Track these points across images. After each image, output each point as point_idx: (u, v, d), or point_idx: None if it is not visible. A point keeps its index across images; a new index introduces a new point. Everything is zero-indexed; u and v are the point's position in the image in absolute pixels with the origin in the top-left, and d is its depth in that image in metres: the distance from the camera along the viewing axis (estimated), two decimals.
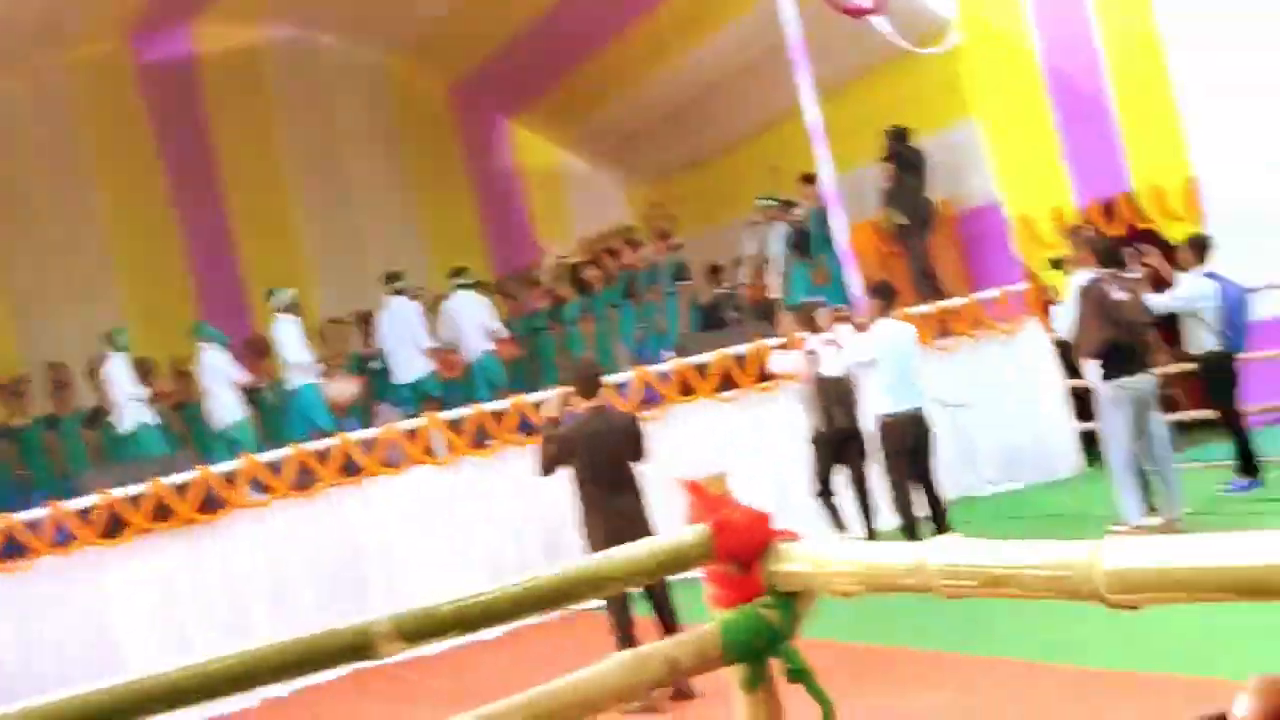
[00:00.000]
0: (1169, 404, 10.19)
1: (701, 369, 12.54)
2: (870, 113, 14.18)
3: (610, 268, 15.42)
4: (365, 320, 15.56)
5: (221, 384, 13.30)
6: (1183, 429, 11.26)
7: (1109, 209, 13.40)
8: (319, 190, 17.44)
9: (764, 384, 12.28)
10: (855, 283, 13.00)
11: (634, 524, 7.89)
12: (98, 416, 14.26)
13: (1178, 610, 1.96)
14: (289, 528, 11.74)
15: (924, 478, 9.77)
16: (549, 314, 15.80)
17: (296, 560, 11.69)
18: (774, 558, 2.65)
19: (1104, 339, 9.61)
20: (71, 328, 15.92)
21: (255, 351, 14.20)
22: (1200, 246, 10.74)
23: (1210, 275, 10.50)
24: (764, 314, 14.32)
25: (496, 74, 17.64)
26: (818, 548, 2.55)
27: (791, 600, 2.67)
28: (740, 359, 12.48)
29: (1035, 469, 12.84)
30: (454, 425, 12.33)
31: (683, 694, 7.80)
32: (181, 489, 11.51)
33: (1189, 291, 10.42)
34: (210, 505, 11.73)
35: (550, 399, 8.44)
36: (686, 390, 12.62)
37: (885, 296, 10.08)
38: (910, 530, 9.62)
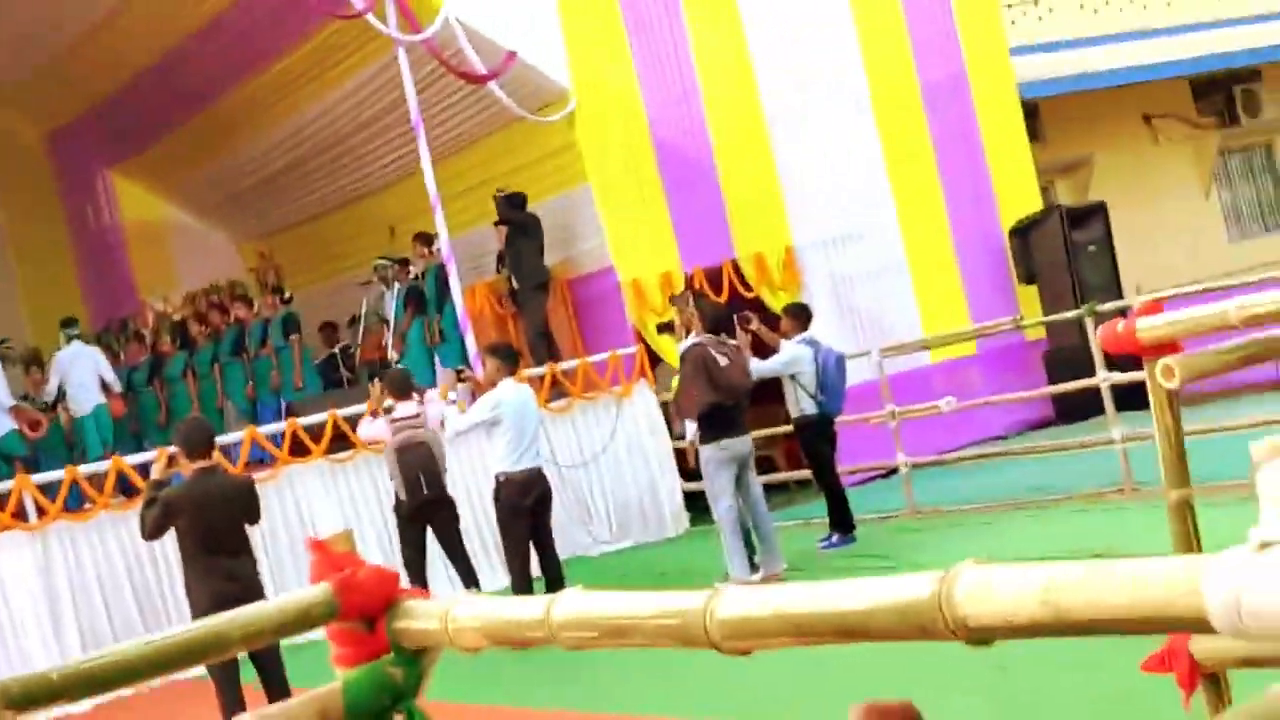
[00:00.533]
0: (767, 465, 10.68)
1: (316, 429, 12.37)
2: (489, 175, 14.39)
3: (217, 322, 15.04)
4: None
5: None
6: (783, 488, 11.83)
7: (715, 276, 14.00)
8: None
9: (346, 453, 12.23)
10: (471, 343, 13.13)
11: (246, 587, 7.71)
12: None
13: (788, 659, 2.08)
14: None
15: (542, 537, 9.89)
16: (150, 370, 15.25)
17: None
18: (399, 614, 2.66)
19: (705, 402, 10.02)
20: None
21: None
22: (799, 314, 11.33)
23: (808, 341, 11.09)
24: (380, 374, 14.25)
25: (99, 124, 17.03)
26: (443, 604, 2.58)
27: (417, 658, 2.69)
28: (356, 420, 12.37)
29: (645, 528, 13.21)
30: (45, 489, 11.73)
31: None
32: None
33: (788, 356, 10.98)
34: None
35: (156, 461, 8.17)
36: (301, 450, 12.42)
37: (508, 358, 10.20)
38: (524, 590, 9.70)
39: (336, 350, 15.58)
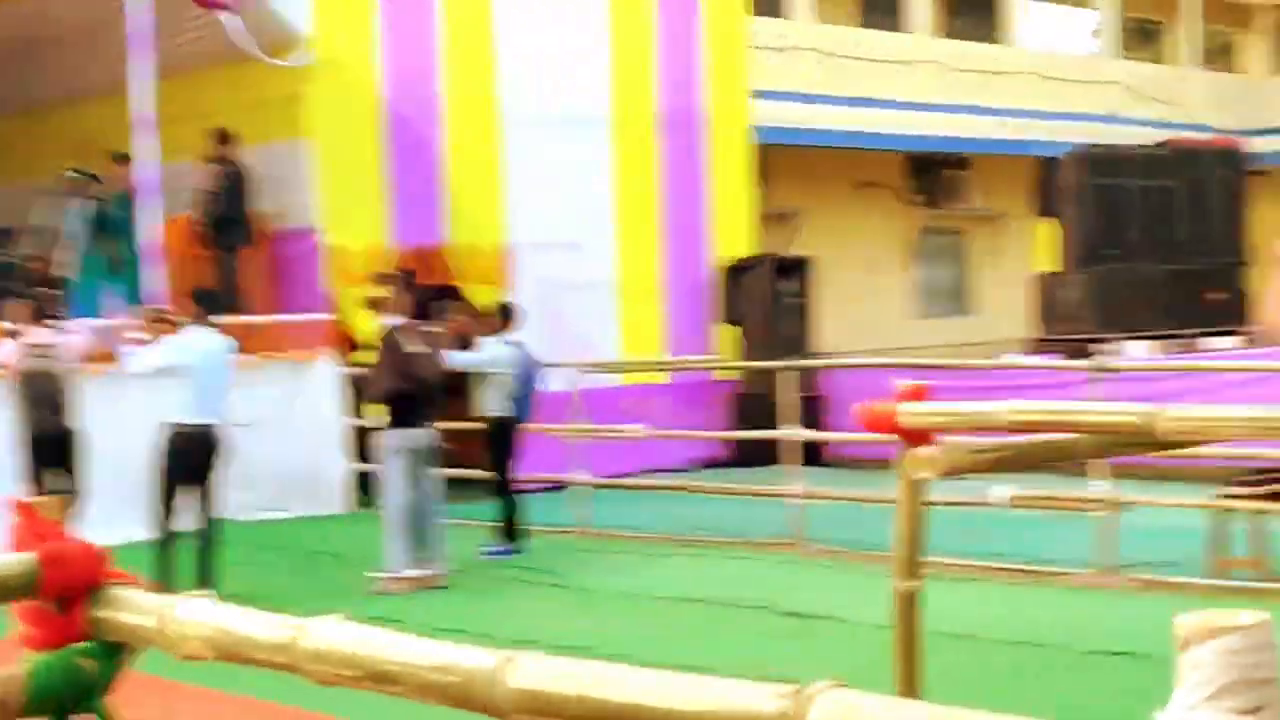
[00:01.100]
0: (448, 459, 10.46)
1: None
2: (205, 108, 13.73)
3: None
4: None
5: None
6: (461, 485, 11.63)
7: (424, 258, 13.70)
8: None
9: None
10: (153, 277, 12.49)
11: None
12: None
13: None
14: None
15: (206, 493, 9.39)
16: None
17: None
18: (104, 601, 2.39)
19: (392, 388, 9.79)
20: None
21: None
22: (507, 313, 11.18)
23: (512, 343, 10.95)
24: (47, 289, 13.41)
25: None
26: (162, 600, 2.32)
27: (116, 651, 2.42)
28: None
29: (307, 500, 12.80)
30: None
31: None
32: None
33: (490, 354, 10.81)
34: None
35: None
36: None
37: (206, 303, 9.72)
38: (164, 545, 9.22)
39: (7, 258, 14.54)
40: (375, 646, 1.87)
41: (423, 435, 9.85)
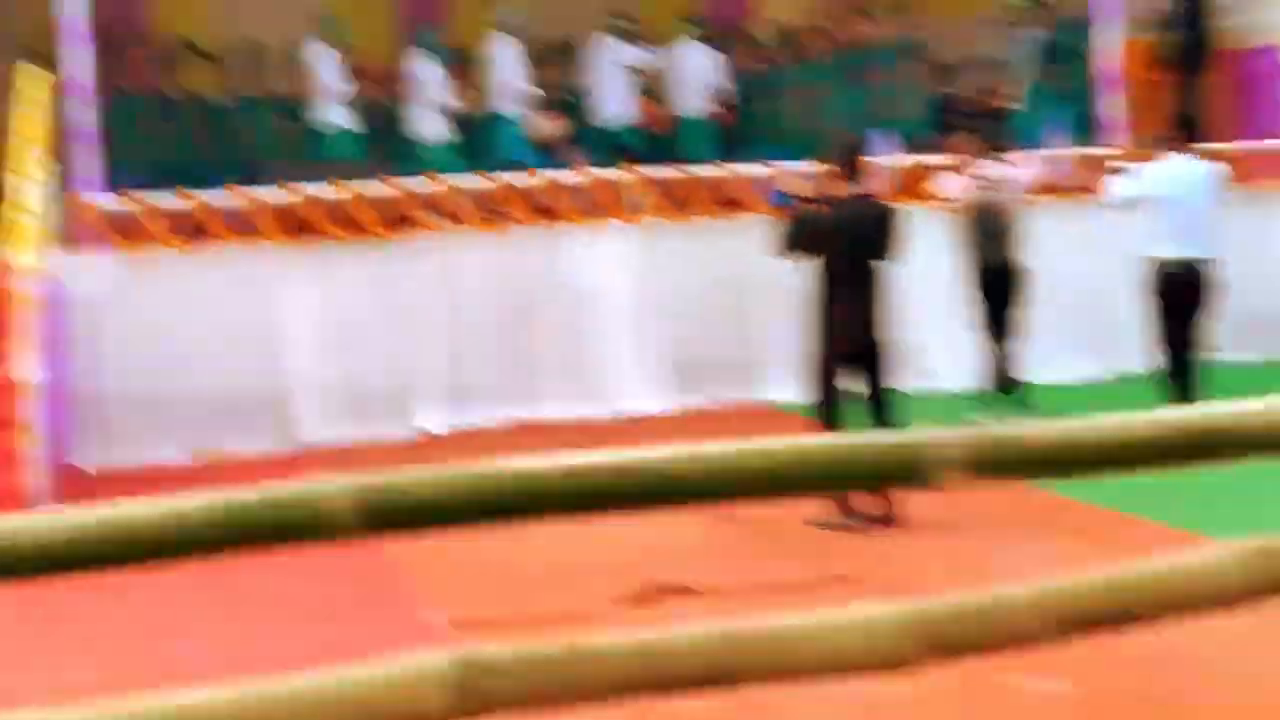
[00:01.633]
0: None
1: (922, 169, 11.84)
2: None
3: (838, 38, 14.44)
4: (568, 52, 14.83)
5: (429, 100, 12.69)
6: None
7: None
8: None
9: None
10: (1109, 104, 12.13)
11: (869, 332, 7.39)
12: (294, 107, 13.74)
13: None
14: (470, 259, 11.34)
15: (1189, 336, 9.02)
16: (764, 81, 14.92)
17: (473, 293, 11.32)
18: None
19: None
20: (274, 6, 15.38)
21: (463, 71, 13.58)
22: None
23: None
24: (994, 122, 13.47)
25: None
26: None
27: None
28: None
29: (1270, 345, 12.01)
30: (657, 184, 11.81)
31: (886, 519, 7.35)
32: (369, 200, 11.14)
33: None
34: (394, 222, 11.36)
35: (795, 174, 7.80)
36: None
37: (1186, 128, 9.25)
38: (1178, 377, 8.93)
39: (950, 91, 14.77)
40: None
41: None
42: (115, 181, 11.45)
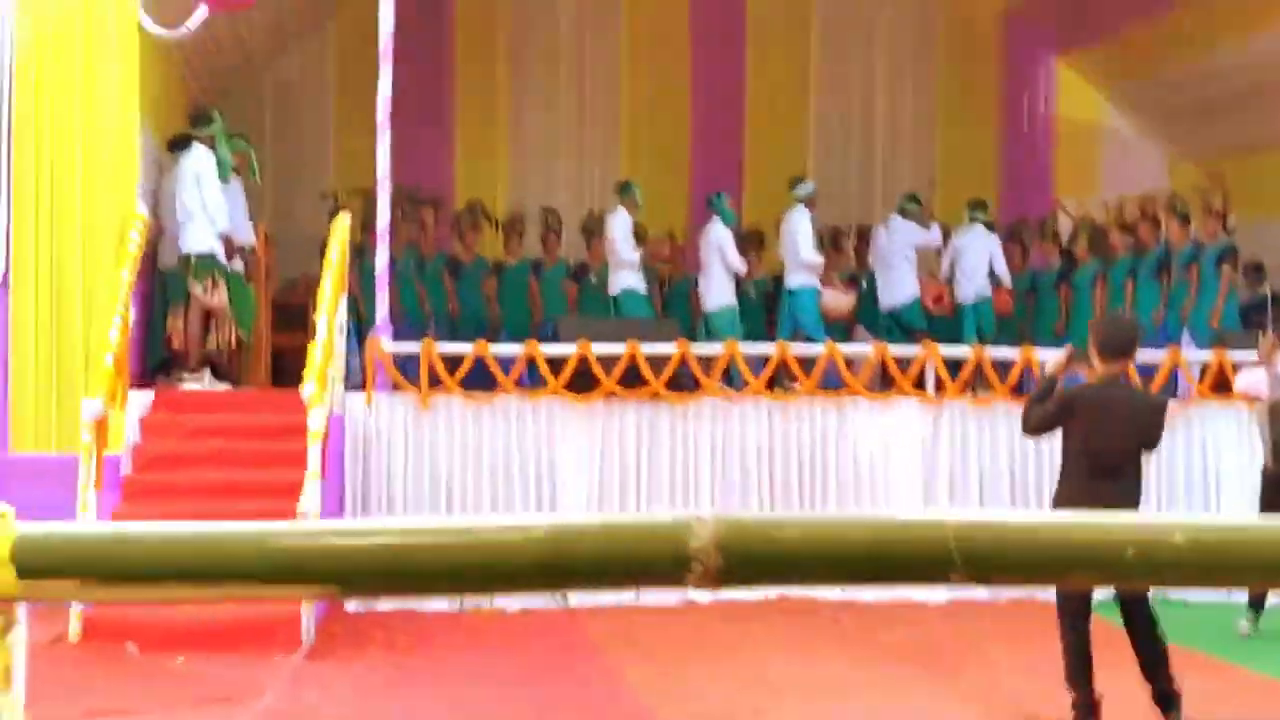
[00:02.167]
0: None
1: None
2: None
3: (1144, 236, 14.18)
4: (862, 236, 15.02)
5: (719, 264, 12.87)
6: None
7: None
8: (839, 87, 16.92)
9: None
10: None
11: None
12: (583, 270, 14.14)
13: None
14: (753, 423, 11.30)
15: None
16: (1060, 273, 14.70)
17: (752, 458, 11.29)
18: None
19: None
20: (565, 175, 15.97)
21: (754, 242, 13.76)
22: None
23: None
24: None
25: (1057, 7, 16.53)
26: None
27: None
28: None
29: None
30: (949, 364, 11.65)
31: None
32: (657, 361, 11.21)
33: None
34: (676, 384, 11.40)
35: (1057, 355, 7.47)
36: (1213, 387, 11.56)
37: None
38: None
39: (1267, 292, 14.28)
40: None
41: None
42: (407, 329, 11.92)
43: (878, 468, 11.37)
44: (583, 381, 11.17)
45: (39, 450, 10.13)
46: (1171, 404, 8.16)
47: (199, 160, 11.19)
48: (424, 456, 10.97)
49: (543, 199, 15.26)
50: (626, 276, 12.94)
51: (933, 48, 17.09)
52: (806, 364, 11.62)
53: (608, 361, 11.14)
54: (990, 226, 14.45)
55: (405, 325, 12.33)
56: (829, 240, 14.24)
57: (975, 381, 11.76)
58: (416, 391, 10.97)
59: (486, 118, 16.17)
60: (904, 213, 14.10)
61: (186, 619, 8.59)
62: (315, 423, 9.36)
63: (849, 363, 11.59)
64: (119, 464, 9.96)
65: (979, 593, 10.76)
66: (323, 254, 11.18)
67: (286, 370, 12.32)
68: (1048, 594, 10.58)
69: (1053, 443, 7.64)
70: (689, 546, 1.82)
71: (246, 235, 11.94)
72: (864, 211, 16.11)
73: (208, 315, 11.21)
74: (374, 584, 1.82)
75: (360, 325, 12.21)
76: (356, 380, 11.44)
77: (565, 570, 1.82)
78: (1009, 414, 11.31)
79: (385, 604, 10.19)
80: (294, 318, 13.41)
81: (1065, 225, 15.52)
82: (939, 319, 14.06)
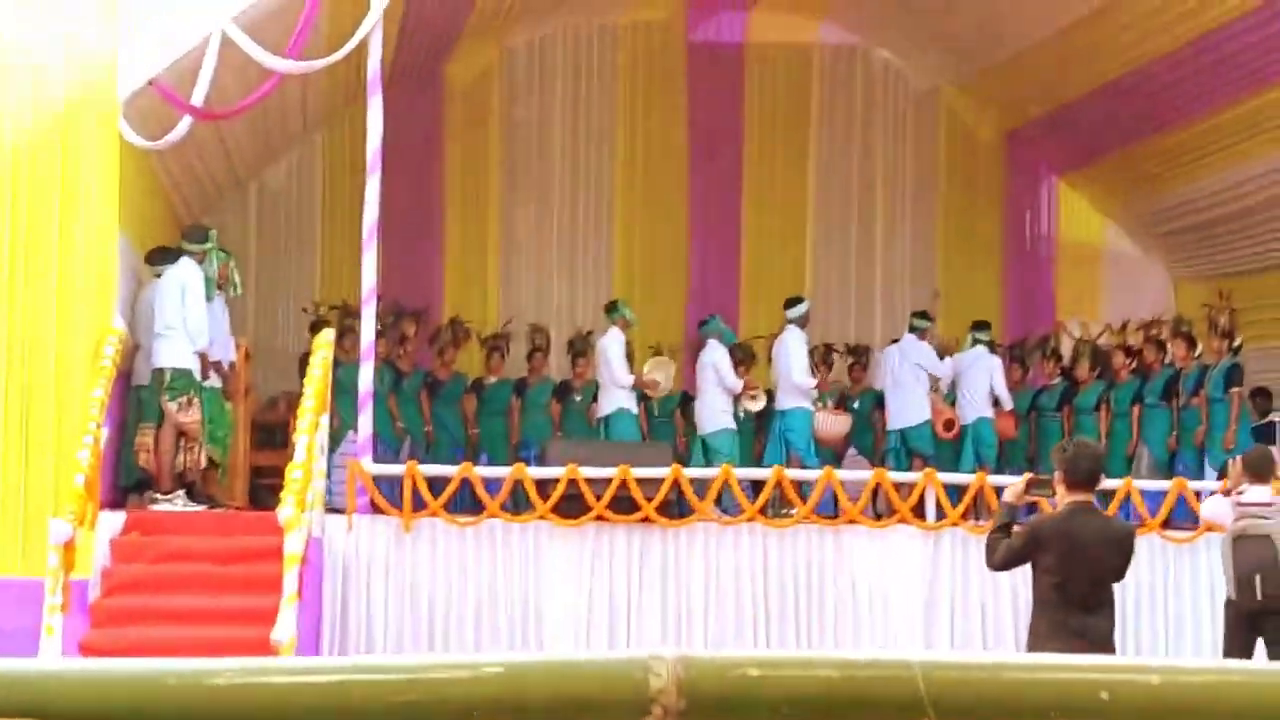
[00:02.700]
0: None
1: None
2: None
3: (1149, 359, 14.23)
4: (858, 355, 15.10)
5: (715, 386, 12.90)
6: None
7: None
8: (837, 205, 17.06)
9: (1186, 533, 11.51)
10: None
11: (1097, 651, 6.78)
12: (567, 388, 14.14)
13: None
14: (746, 549, 11.25)
15: None
16: (1062, 395, 14.72)
17: (745, 582, 11.21)
18: None
19: None
20: (558, 292, 16.05)
21: (745, 359, 13.80)
22: None
23: None
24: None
25: (1057, 128, 16.74)
26: None
27: None
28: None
29: None
30: (947, 488, 11.63)
31: None
32: (648, 484, 11.16)
33: None
34: (670, 508, 11.37)
35: (1015, 483, 7.35)
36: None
37: None
38: None
39: (1274, 419, 14.30)
40: None
41: None
42: (380, 451, 11.91)
43: (876, 597, 11.30)
44: (571, 505, 11.13)
45: (4, 573, 10.03)
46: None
47: (186, 274, 11.19)
48: (405, 582, 10.90)
49: (533, 316, 15.33)
50: (618, 397, 12.94)
51: (933, 166, 17.26)
52: (802, 488, 11.59)
53: (597, 484, 11.11)
54: (992, 347, 14.51)
55: (377, 446, 12.30)
56: (820, 358, 14.34)
57: (977, 508, 11.73)
58: (399, 514, 10.92)
59: (477, 231, 16.27)
60: (914, 330, 14.17)
61: None
62: (292, 546, 9.29)
63: (844, 486, 11.57)
64: (87, 588, 9.87)
65: None
66: (303, 370, 11.19)
67: (266, 490, 12.27)
68: None
69: None
70: (649, 688, 1.78)
71: (227, 353, 11.93)
72: (862, 331, 16.18)
73: (181, 433, 11.17)
74: None
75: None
76: (331, 500, 11.42)
77: (518, 712, 1.78)
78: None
79: None
80: (274, 436, 13.39)
81: (1068, 346, 15.59)
82: (945, 444, 14.06)
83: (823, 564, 11.28)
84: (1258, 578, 9.05)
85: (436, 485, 11.13)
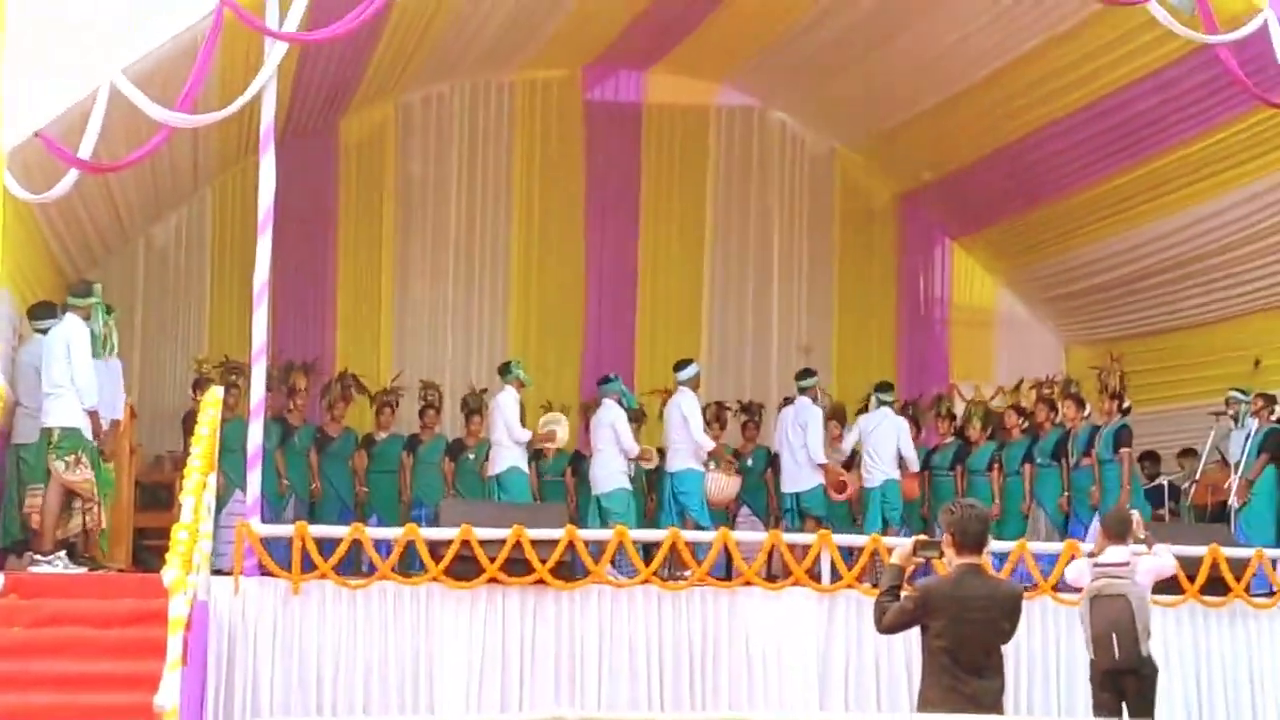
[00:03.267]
0: None
1: None
2: None
3: (1040, 419, 14.47)
4: (751, 413, 15.24)
5: (612, 446, 12.90)
6: None
7: None
8: (734, 264, 17.24)
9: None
10: None
11: (991, 713, 6.83)
12: (459, 446, 14.08)
13: None
14: (640, 610, 11.20)
15: None
16: (955, 455, 14.90)
17: (639, 645, 11.15)
18: None
19: None
20: (452, 349, 15.99)
21: (636, 418, 13.83)
22: None
23: None
24: (1213, 519, 13.32)
25: (949, 192, 17.04)
26: None
27: None
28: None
29: None
30: (841, 550, 11.66)
31: None
32: (541, 545, 11.08)
33: None
34: (564, 570, 11.29)
35: (903, 544, 7.39)
36: None
37: None
38: None
39: (1162, 483, 14.57)
40: None
41: None
42: (270, 506, 11.75)
43: (771, 658, 11.26)
44: (465, 566, 11.02)
45: None
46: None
47: (72, 331, 10.97)
48: (293, 645, 10.69)
49: (427, 372, 15.25)
50: (511, 454, 12.89)
51: (829, 227, 17.46)
52: (695, 549, 11.57)
53: (490, 545, 11.01)
54: (895, 408, 14.66)
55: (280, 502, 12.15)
56: (713, 416, 14.43)
57: (873, 570, 11.77)
58: (287, 576, 10.74)
59: (370, 287, 16.18)
60: (803, 391, 14.28)
61: None
62: (177, 610, 9.11)
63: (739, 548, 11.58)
64: None
65: None
66: (186, 429, 11.01)
67: (150, 552, 12.05)
68: None
69: None
70: None
71: (115, 411, 11.71)
72: (758, 390, 16.29)
73: (69, 494, 10.93)
74: None
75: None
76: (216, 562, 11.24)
77: None
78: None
79: None
80: (159, 496, 13.17)
81: (960, 407, 15.80)
82: (839, 505, 14.20)
83: (718, 626, 11.24)
84: (1114, 637, 9.22)
85: (326, 546, 10.97)
